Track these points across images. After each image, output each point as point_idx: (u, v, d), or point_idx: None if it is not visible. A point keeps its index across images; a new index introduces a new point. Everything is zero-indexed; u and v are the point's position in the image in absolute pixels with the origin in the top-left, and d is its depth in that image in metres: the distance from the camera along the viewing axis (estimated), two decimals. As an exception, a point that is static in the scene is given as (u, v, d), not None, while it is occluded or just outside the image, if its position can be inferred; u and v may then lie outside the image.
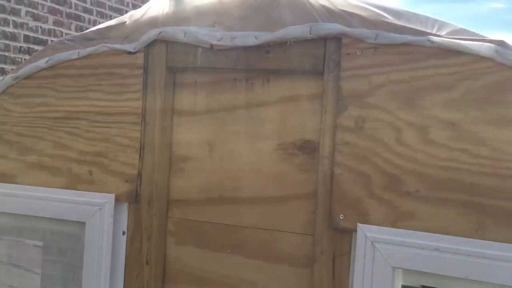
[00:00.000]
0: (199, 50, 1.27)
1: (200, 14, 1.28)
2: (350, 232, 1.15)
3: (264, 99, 1.25)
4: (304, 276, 1.21)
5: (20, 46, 5.13)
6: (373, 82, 1.12)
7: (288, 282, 1.23)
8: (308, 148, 1.21)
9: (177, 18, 1.30)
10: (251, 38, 1.21)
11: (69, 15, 5.70)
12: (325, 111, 1.17)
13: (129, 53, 1.31)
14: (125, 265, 1.34)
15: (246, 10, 1.24)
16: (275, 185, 1.24)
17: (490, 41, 1.05)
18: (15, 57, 5.07)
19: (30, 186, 1.40)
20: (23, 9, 5.13)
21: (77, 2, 5.80)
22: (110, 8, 6.33)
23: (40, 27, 5.34)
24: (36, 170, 1.40)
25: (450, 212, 1.06)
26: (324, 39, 1.16)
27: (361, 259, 1.11)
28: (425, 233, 1.07)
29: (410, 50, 1.09)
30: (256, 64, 1.23)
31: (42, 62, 1.40)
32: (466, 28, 1.12)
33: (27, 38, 5.19)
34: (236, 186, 1.27)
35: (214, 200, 1.29)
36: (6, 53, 5.00)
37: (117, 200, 1.33)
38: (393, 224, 1.10)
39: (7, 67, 4.96)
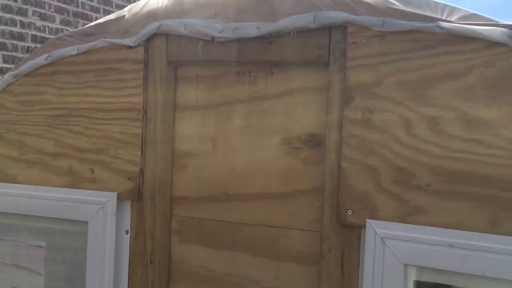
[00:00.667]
0: (200, 43, 1.23)
1: (201, 6, 1.25)
2: (359, 228, 1.11)
3: (267, 92, 1.21)
4: (312, 274, 1.18)
5: (28, 46, 5.14)
6: (380, 71, 1.07)
7: (296, 280, 1.20)
8: (314, 141, 1.17)
9: (177, 10, 1.26)
10: (253, 29, 1.17)
11: (76, 14, 5.70)
12: (331, 103, 1.13)
13: (129, 47, 1.29)
14: (129, 264, 1.32)
15: (247, 1, 1.20)
16: (281, 180, 1.20)
17: (503, 25, 1.00)
18: (22, 57, 5.08)
19: (31, 186, 1.38)
20: (30, 9, 5.14)
21: (84, 0, 5.80)
22: (117, 6, 6.32)
23: (48, 26, 5.35)
24: (37, 169, 1.38)
25: (463, 206, 1.02)
26: (328, 28, 1.12)
27: (371, 256, 1.07)
28: (438, 228, 1.03)
29: (418, 37, 1.05)
30: (259, 56, 1.19)
31: (41, 59, 1.38)
32: (478, 13, 1.07)
33: (34, 38, 5.20)
34: (240, 182, 1.23)
35: (218, 197, 1.25)
36: (14, 53, 5.01)
37: (120, 198, 1.30)
38: (404, 220, 1.06)
39: (15, 67, 4.96)
